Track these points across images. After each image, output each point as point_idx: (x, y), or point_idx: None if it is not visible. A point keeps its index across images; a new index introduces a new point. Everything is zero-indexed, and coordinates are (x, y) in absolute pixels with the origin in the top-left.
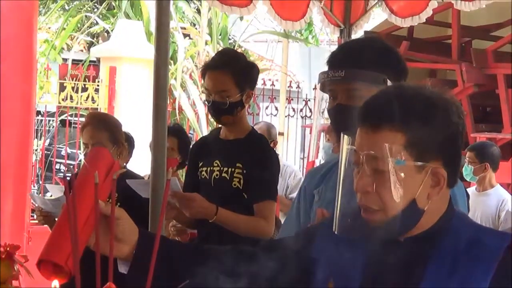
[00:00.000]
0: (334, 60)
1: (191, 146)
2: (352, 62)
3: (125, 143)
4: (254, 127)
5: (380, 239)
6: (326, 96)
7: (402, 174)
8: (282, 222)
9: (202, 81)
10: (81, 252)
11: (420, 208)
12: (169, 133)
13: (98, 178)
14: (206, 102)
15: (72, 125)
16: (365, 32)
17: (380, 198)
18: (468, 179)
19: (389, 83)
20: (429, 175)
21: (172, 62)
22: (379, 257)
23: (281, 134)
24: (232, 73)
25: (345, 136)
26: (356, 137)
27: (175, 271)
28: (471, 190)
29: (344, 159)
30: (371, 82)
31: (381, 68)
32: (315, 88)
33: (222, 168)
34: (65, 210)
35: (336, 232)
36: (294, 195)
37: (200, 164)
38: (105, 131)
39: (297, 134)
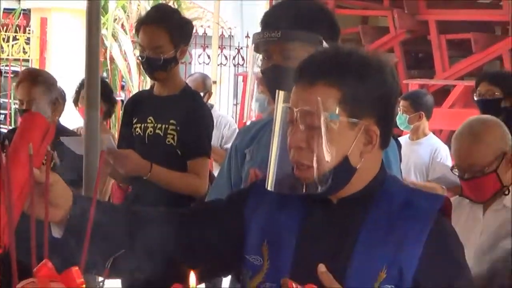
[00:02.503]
0: (269, 20)
1: (125, 102)
2: (288, 22)
3: (60, 100)
4: (189, 78)
5: (313, 196)
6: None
7: (335, 130)
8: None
9: (136, 37)
10: (16, 223)
11: (353, 165)
12: None
13: (33, 143)
14: (139, 58)
15: (3, 75)
16: None
17: (313, 154)
18: (402, 128)
19: (324, 44)
20: (362, 132)
21: (103, 12)
22: (312, 219)
23: (214, 82)
24: (166, 29)
25: (281, 92)
26: (292, 94)
27: (108, 235)
28: (404, 139)
29: (279, 115)
30: (307, 43)
31: (316, 28)
32: (247, 36)
33: (155, 125)
34: None
35: (268, 189)
36: (229, 145)
37: (135, 121)
38: (40, 87)
39: (230, 82)
